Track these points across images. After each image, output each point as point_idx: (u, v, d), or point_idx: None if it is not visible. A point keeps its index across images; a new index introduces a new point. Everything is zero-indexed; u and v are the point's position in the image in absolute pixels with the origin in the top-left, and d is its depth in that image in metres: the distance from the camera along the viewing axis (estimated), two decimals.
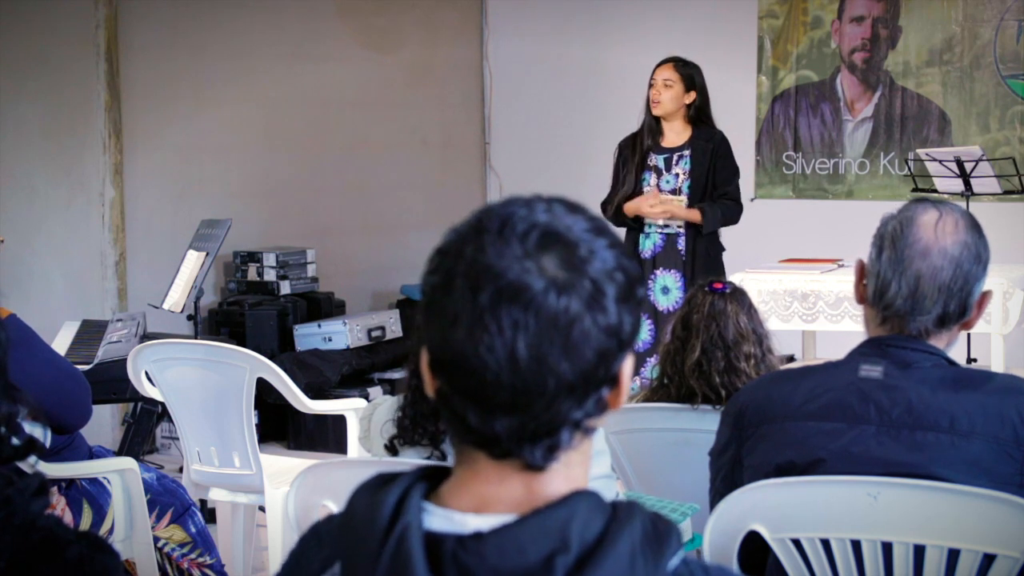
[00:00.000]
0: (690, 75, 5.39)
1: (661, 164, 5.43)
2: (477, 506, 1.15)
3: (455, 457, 1.20)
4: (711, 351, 2.92)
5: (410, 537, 1.12)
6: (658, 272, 5.44)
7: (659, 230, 5.42)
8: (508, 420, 1.14)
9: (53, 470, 3.17)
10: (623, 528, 1.11)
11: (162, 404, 4.35)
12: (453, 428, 1.18)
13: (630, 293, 1.16)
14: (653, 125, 5.42)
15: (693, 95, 5.39)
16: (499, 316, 1.11)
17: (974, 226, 2.11)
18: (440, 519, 1.15)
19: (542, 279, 1.12)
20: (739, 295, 3.00)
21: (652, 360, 5.38)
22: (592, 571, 1.09)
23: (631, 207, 5.39)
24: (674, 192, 5.40)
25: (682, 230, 5.40)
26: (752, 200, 7.40)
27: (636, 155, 5.43)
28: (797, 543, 2.04)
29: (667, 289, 5.44)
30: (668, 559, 1.13)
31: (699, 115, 5.42)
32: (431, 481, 1.20)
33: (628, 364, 1.18)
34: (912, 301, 2.07)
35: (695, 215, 5.34)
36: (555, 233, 1.14)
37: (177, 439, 5.04)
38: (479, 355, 1.12)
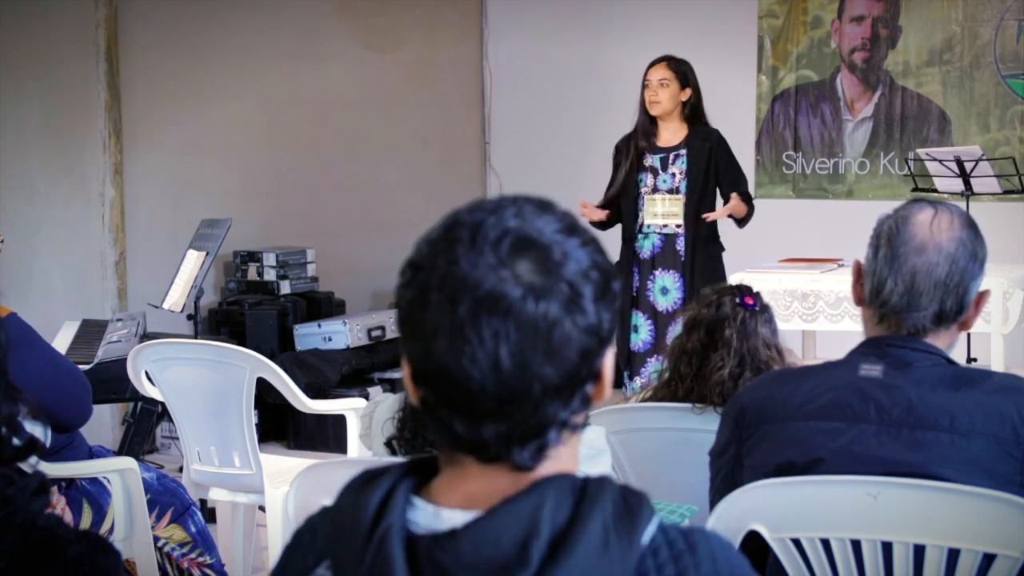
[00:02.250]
0: (683, 72, 5.38)
1: (657, 164, 5.42)
2: (467, 503, 1.15)
3: (442, 459, 1.19)
4: (739, 369, 2.86)
5: (391, 539, 1.11)
6: (657, 273, 5.43)
7: (657, 230, 5.41)
8: (495, 426, 1.14)
9: (53, 470, 3.16)
10: (594, 506, 1.11)
11: (162, 404, 4.35)
12: (440, 435, 1.18)
13: (606, 289, 1.16)
14: (648, 125, 5.40)
15: (688, 92, 5.38)
16: (479, 327, 1.10)
17: (970, 224, 2.11)
18: (428, 516, 1.15)
19: (519, 286, 1.11)
20: (767, 313, 2.95)
21: (652, 360, 5.37)
22: (565, 553, 1.09)
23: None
24: (672, 192, 5.40)
25: (681, 231, 5.39)
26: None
27: (631, 156, 5.42)
28: (797, 543, 2.04)
29: (666, 290, 5.43)
30: (641, 532, 1.13)
31: (693, 113, 5.41)
32: (421, 474, 1.19)
33: (609, 357, 1.18)
34: (908, 298, 2.07)
35: (742, 208, 5.29)
36: (527, 238, 1.13)
37: (177, 439, 5.04)
38: (462, 367, 1.11)
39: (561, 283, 1.12)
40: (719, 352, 2.88)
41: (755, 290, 3.00)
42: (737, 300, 2.93)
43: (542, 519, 1.10)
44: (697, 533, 1.19)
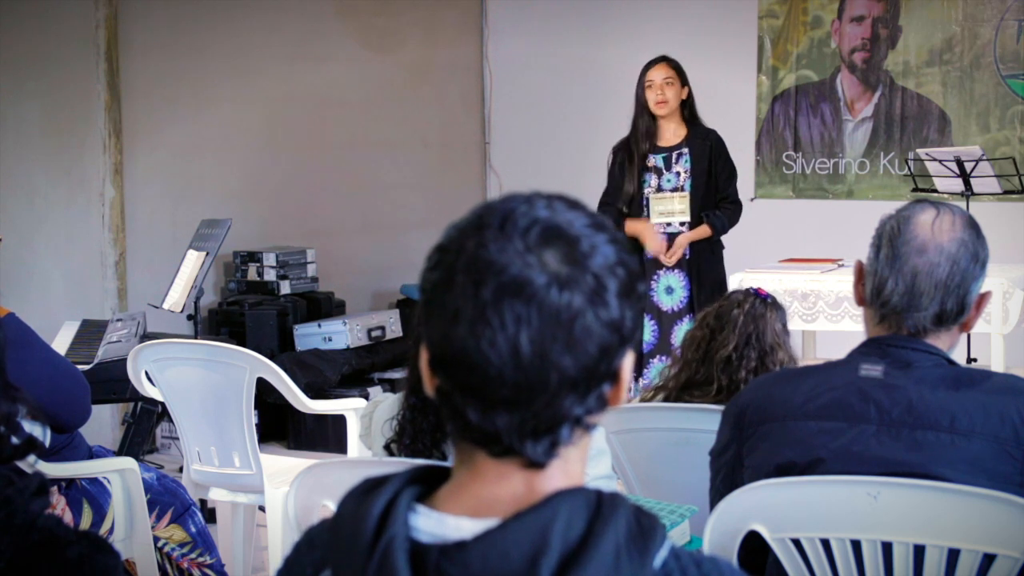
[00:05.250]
0: (681, 70, 5.43)
1: (660, 164, 5.43)
2: (476, 509, 1.14)
3: (455, 458, 1.19)
4: (745, 350, 2.94)
5: (394, 551, 1.10)
6: (661, 272, 5.44)
7: (662, 229, 5.42)
8: (509, 416, 1.13)
9: (53, 470, 3.17)
10: (607, 526, 1.10)
11: (162, 404, 4.35)
12: (453, 425, 1.17)
13: (631, 288, 1.16)
14: (651, 126, 5.42)
15: (687, 90, 5.43)
16: (501, 311, 1.10)
17: (972, 225, 2.11)
18: (433, 524, 1.14)
19: (544, 274, 1.11)
20: (780, 308, 3.05)
21: (655, 361, 5.38)
22: (576, 571, 1.07)
23: (634, 230, 5.38)
24: (676, 190, 5.40)
25: (685, 228, 5.40)
26: (752, 200, 7.40)
27: (636, 158, 5.43)
28: (797, 543, 2.04)
29: (671, 289, 5.44)
30: (654, 555, 1.12)
31: (692, 111, 5.45)
32: (425, 482, 1.18)
33: (628, 360, 1.18)
34: (909, 298, 2.07)
35: (705, 232, 5.36)
36: (556, 228, 1.13)
37: (177, 439, 5.04)
38: (481, 350, 1.11)
39: (587, 275, 1.12)
40: (725, 331, 2.97)
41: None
42: (751, 290, 3.03)
43: (553, 535, 1.09)
44: (709, 561, 1.18)
